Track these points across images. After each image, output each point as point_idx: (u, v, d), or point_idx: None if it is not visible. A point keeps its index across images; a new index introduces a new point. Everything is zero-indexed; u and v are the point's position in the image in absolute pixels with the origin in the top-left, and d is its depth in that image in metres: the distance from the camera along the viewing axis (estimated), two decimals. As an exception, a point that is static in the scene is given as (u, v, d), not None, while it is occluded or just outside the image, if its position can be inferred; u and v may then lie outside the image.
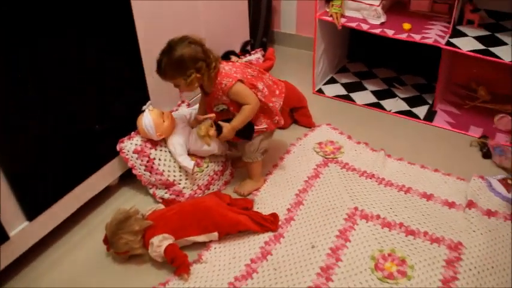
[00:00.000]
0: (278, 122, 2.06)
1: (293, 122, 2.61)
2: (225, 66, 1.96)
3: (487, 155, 2.36)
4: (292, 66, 3.13)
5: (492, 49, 2.36)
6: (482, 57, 2.32)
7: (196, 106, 2.25)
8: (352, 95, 2.87)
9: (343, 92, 2.91)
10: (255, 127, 2.02)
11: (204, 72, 1.88)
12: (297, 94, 2.52)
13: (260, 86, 1.98)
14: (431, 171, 2.24)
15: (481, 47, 2.39)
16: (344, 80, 3.03)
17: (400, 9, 2.80)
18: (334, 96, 2.87)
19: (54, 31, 1.67)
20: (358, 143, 2.44)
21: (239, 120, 1.97)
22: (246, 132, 2.03)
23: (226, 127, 1.97)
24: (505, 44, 2.40)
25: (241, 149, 2.13)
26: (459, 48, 2.38)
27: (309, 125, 2.58)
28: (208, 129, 1.97)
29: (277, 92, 2.06)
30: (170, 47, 1.87)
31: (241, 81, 1.92)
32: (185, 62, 1.85)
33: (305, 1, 3.20)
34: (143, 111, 2.07)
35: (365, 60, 3.21)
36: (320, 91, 2.93)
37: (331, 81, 3.03)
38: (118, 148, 2.07)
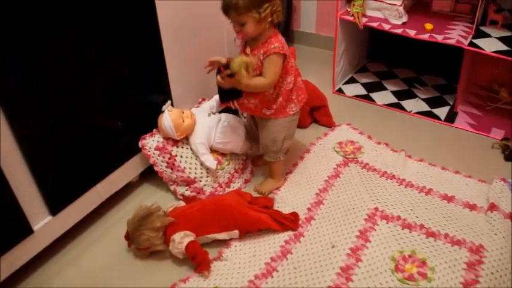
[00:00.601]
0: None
1: (313, 121, 2.61)
2: (282, 37, 1.92)
3: (509, 157, 2.34)
4: (311, 66, 3.13)
5: (516, 50, 2.35)
6: (506, 58, 2.30)
7: (216, 97, 2.23)
8: (372, 95, 2.86)
9: (363, 91, 2.90)
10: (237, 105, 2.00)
11: (276, 10, 1.82)
12: (317, 93, 2.52)
13: (289, 79, 1.96)
14: (452, 173, 2.22)
15: (504, 48, 2.36)
16: (364, 80, 3.02)
17: (422, 9, 2.78)
18: (354, 96, 2.86)
19: (83, 30, 1.69)
20: (379, 143, 2.43)
21: (248, 81, 1.86)
22: (231, 93, 1.95)
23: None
24: (529, 45, 2.38)
25: (264, 148, 2.13)
26: (482, 49, 2.36)
27: (329, 124, 2.58)
28: (252, 63, 1.83)
29: (299, 98, 2.05)
30: None
31: (285, 57, 1.89)
32: None
33: (325, 0, 3.19)
34: (163, 111, 2.08)
35: (385, 60, 3.19)
36: (340, 91, 2.92)
37: (351, 80, 3.02)
38: (140, 145, 2.08)
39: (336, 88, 2.94)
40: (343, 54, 2.89)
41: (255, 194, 2.12)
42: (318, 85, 2.59)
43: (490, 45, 2.39)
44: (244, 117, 2.49)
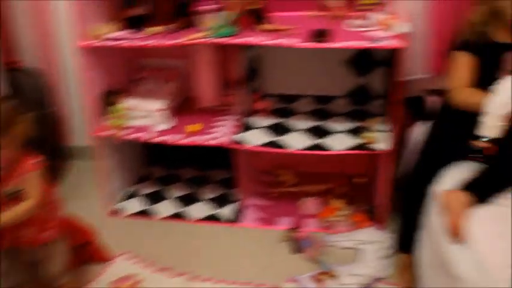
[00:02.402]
0: None
1: (84, 263, 2.23)
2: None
3: (296, 249, 2.24)
4: (85, 185, 2.79)
5: (282, 138, 2.31)
6: (271, 150, 2.24)
7: None
8: (155, 207, 2.60)
9: (144, 206, 2.62)
10: None
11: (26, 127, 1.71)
12: (81, 229, 2.18)
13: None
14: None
15: (270, 138, 2.31)
16: (145, 191, 2.74)
17: (192, 106, 2.63)
18: (133, 214, 2.56)
19: None
20: (161, 269, 2.17)
21: (11, 216, 1.67)
22: None
23: None
24: (294, 130, 2.36)
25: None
26: (248, 145, 2.28)
27: (103, 260, 2.23)
28: None
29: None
30: None
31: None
32: None
33: (89, 107, 2.91)
34: None
35: (168, 163, 2.96)
36: (117, 210, 2.60)
37: (131, 195, 2.72)
38: None
39: (112, 208, 2.61)
40: (116, 169, 2.61)
41: None
42: (90, 209, 2.41)
43: (257, 137, 2.34)
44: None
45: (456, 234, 1.62)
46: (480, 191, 1.70)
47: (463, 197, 1.67)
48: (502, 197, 1.71)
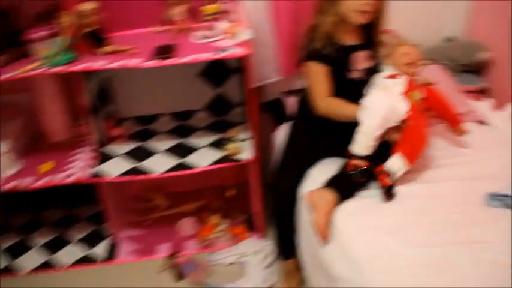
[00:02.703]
0: None
1: None
2: None
3: (180, 276, 2.14)
4: None
5: (143, 163, 2.19)
6: (133, 178, 2.11)
7: None
8: (18, 261, 2.33)
9: (4, 262, 2.31)
10: None
11: None
12: None
13: None
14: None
15: (131, 165, 2.19)
16: (4, 244, 2.44)
17: (42, 143, 2.40)
18: (-7, 273, 2.29)
19: None
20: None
21: None
22: None
23: None
24: (156, 152, 2.25)
25: None
26: (107, 177, 2.12)
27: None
28: None
29: None
30: None
31: None
32: None
33: None
34: None
35: (28, 208, 2.68)
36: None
37: (-11, 252, 2.43)
38: None
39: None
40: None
41: None
42: None
43: (117, 167, 2.19)
44: None
45: (323, 233, 1.62)
46: (343, 186, 1.72)
47: (327, 194, 1.68)
48: (364, 190, 1.74)
